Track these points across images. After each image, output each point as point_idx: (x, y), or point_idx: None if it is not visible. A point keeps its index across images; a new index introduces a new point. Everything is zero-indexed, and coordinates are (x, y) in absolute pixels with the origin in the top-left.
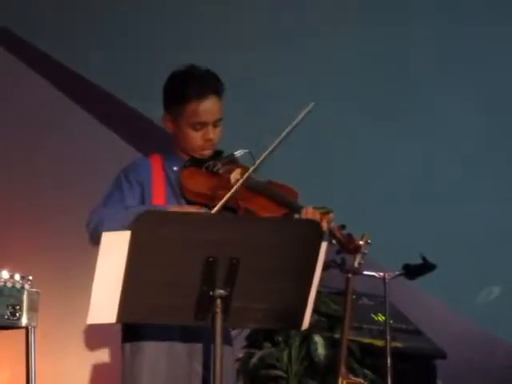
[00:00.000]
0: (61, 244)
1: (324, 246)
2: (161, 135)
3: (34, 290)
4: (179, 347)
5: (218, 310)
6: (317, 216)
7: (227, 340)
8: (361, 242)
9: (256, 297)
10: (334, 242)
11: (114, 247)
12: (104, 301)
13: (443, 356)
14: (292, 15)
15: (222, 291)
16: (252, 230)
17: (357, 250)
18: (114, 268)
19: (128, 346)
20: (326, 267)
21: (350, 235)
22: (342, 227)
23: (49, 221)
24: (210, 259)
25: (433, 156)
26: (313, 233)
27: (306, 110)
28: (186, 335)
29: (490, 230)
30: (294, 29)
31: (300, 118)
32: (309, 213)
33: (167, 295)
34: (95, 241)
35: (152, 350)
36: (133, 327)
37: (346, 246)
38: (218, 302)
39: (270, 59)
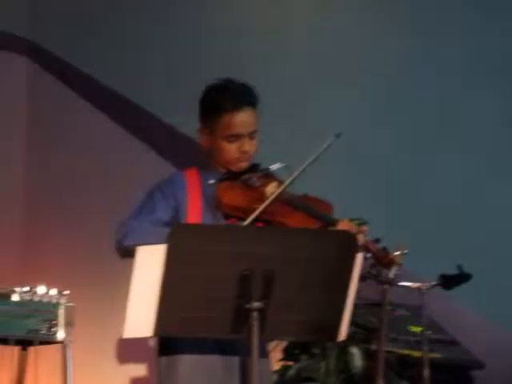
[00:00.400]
0: (96, 257)
1: (360, 257)
2: (194, 149)
3: (70, 304)
4: (216, 360)
5: (255, 323)
6: (353, 228)
7: (264, 352)
8: (396, 253)
9: (292, 309)
10: (368, 255)
11: (150, 261)
12: (140, 314)
13: (481, 367)
14: None
15: (258, 304)
16: (287, 241)
17: (391, 263)
18: (149, 282)
19: (164, 359)
20: (362, 278)
21: (384, 249)
22: (377, 241)
23: (84, 233)
24: (246, 272)
25: (472, 164)
26: (348, 244)
27: (329, 142)
28: (222, 348)
29: None
30: None
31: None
32: (345, 225)
33: (203, 308)
34: (120, 252)
35: (188, 364)
36: (168, 340)
37: (380, 259)
38: (255, 314)
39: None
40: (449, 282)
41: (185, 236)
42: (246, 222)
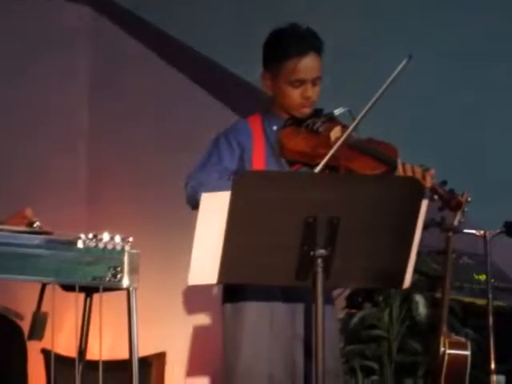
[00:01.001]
0: (161, 206)
1: (425, 204)
2: (259, 98)
3: (135, 251)
4: (281, 308)
5: (319, 270)
6: (418, 173)
7: (329, 300)
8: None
9: (357, 256)
10: (435, 198)
11: (214, 208)
12: (205, 262)
13: None
14: None
15: (322, 251)
16: (352, 188)
17: (459, 206)
18: (214, 229)
19: (229, 306)
20: (426, 226)
21: (451, 191)
22: (444, 183)
23: (150, 184)
24: (310, 219)
25: None
26: (414, 191)
27: (402, 64)
28: (287, 296)
29: None
30: None
31: (396, 72)
32: (409, 170)
33: (267, 256)
34: (192, 204)
35: (254, 311)
36: (234, 288)
37: (448, 202)
38: (319, 261)
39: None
40: None
41: (248, 183)
42: (318, 169)
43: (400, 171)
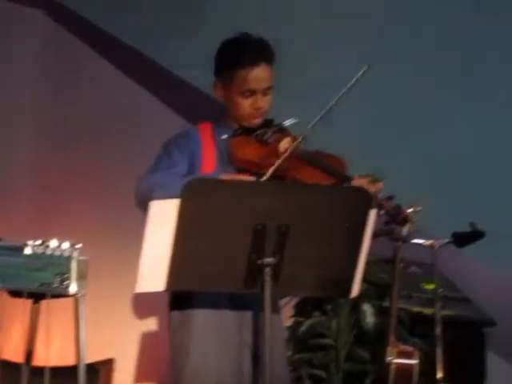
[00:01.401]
0: (110, 210)
1: (373, 213)
2: (209, 104)
3: (83, 258)
4: (229, 315)
5: (268, 278)
6: (367, 185)
7: (275, 309)
8: (410, 210)
9: (305, 264)
10: (382, 213)
11: (163, 215)
12: (153, 269)
13: (493, 324)
14: None
15: (271, 259)
16: (301, 197)
17: (405, 221)
18: (162, 236)
19: (177, 313)
20: (374, 235)
21: (398, 206)
22: (390, 198)
23: (99, 190)
24: (259, 227)
25: (485, 125)
26: (362, 200)
27: (360, 72)
28: (234, 303)
29: None
30: None
31: (353, 81)
32: (359, 182)
33: (216, 263)
34: (145, 206)
35: (201, 318)
36: (181, 295)
37: (394, 217)
38: (267, 269)
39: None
40: (461, 239)
41: (197, 190)
42: (265, 178)
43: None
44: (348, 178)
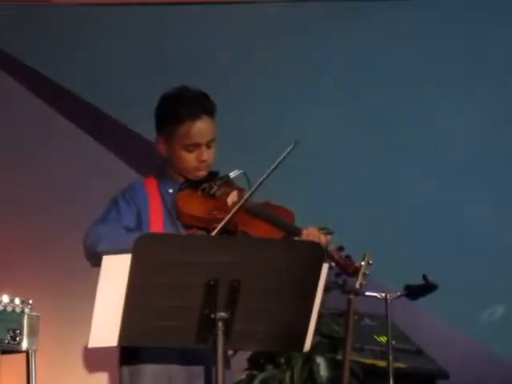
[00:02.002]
0: (61, 268)
1: (325, 267)
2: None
3: (35, 313)
4: (178, 370)
5: (220, 333)
6: (316, 237)
7: (226, 363)
8: (362, 263)
9: (258, 319)
10: (332, 264)
11: (115, 270)
12: (105, 324)
13: (446, 376)
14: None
15: (223, 314)
16: (253, 251)
17: (356, 272)
18: (114, 291)
19: (126, 369)
20: (327, 288)
21: (348, 257)
22: (341, 249)
23: (49, 244)
24: (211, 282)
25: (435, 175)
26: (314, 254)
27: (288, 149)
28: (185, 358)
29: (493, 248)
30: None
31: (282, 157)
32: (308, 234)
33: (168, 318)
34: (92, 258)
35: (151, 373)
36: (131, 350)
37: (344, 268)
38: (220, 324)
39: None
40: (414, 292)
41: (150, 246)
42: (214, 233)
43: (300, 235)
44: (298, 230)
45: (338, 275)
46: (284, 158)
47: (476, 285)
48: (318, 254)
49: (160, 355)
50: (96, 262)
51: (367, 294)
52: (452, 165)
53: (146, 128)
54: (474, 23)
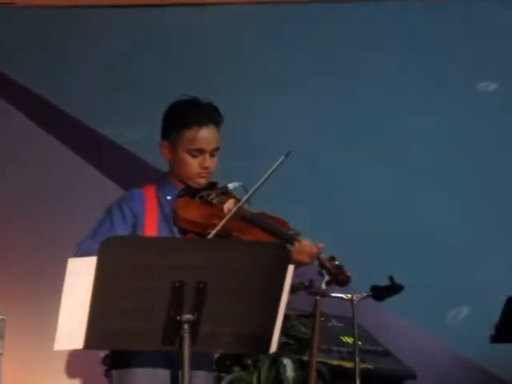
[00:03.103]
0: (28, 272)
1: (291, 268)
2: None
3: (0, 317)
4: (163, 373)
5: (186, 335)
6: (313, 248)
7: (208, 366)
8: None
9: (224, 321)
10: (324, 272)
11: (81, 273)
12: (71, 327)
13: (413, 377)
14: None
15: (189, 316)
16: (219, 253)
17: (347, 281)
18: (80, 294)
19: (114, 373)
20: (293, 290)
21: (340, 267)
22: (332, 258)
23: (17, 249)
24: (177, 284)
25: (396, 176)
26: (280, 256)
27: (280, 160)
28: (170, 362)
29: (458, 249)
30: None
31: (275, 167)
32: (303, 243)
33: (134, 321)
34: None
35: (139, 377)
36: (119, 354)
37: (336, 277)
38: (186, 326)
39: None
40: (380, 293)
41: (114, 248)
42: (209, 237)
43: (296, 247)
44: (293, 238)
45: (328, 283)
46: (278, 166)
47: (441, 286)
48: (283, 255)
49: (148, 359)
50: None
51: (333, 295)
52: (413, 170)
53: (127, 140)
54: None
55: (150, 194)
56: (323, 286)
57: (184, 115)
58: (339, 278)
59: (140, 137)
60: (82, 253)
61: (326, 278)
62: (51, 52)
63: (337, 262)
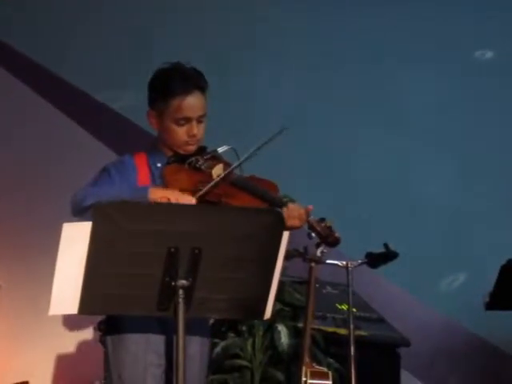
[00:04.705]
0: (23, 236)
1: (286, 235)
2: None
3: None
4: (158, 339)
5: (180, 301)
6: (301, 210)
7: (204, 332)
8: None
9: (218, 287)
10: (313, 235)
11: (75, 238)
12: (66, 292)
13: (407, 344)
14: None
15: (184, 281)
16: (214, 219)
17: (336, 242)
18: (75, 259)
19: (109, 338)
20: (288, 256)
21: (329, 228)
22: (322, 220)
23: (12, 215)
24: (172, 249)
25: (394, 149)
26: (275, 222)
27: (277, 132)
28: (164, 327)
29: (454, 216)
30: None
31: (268, 139)
32: (292, 207)
33: (129, 286)
34: (77, 211)
35: (131, 342)
36: (115, 321)
37: (325, 238)
38: (180, 292)
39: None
40: (375, 260)
41: (110, 213)
42: (194, 201)
43: (285, 212)
44: (282, 202)
45: (318, 245)
46: (271, 139)
47: (436, 254)
48: (278, 221)
49: (143, 325)
50: (81, 213)
51: (328, 262)
52: (411, 138)
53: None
54: None
55: (141, 161)
56: (318, 252)
57: (167, 84)
58: (328, 240)
59: (134, 101)
60: (84, 194)
61: (315, 239)
62: (47, 16)
63: (327, 224)
